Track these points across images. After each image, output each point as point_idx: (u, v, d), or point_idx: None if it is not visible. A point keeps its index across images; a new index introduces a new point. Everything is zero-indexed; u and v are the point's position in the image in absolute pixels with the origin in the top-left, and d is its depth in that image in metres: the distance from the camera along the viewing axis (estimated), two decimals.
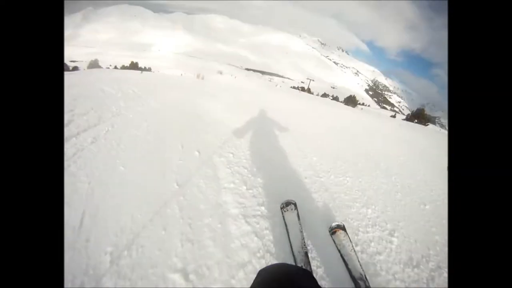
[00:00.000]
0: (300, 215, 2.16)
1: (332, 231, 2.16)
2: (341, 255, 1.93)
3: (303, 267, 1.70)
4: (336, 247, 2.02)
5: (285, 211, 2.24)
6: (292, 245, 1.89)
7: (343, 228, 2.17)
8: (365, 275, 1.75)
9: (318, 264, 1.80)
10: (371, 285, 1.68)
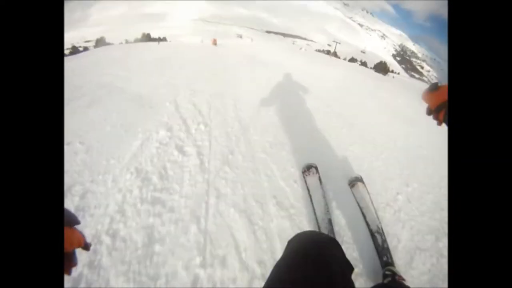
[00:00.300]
0: (321, 179, 2.14)
1: (351, 184, 2.15)
2: (360, 208, 1.92)
3: (328, 234, 1.69)
4: (355, 200, 2.01)
5: (306, 175, 2.21)
6: (316, 211, 1.86)
7: (361, 180, 2.15)
8: (382, 228, 1.74)
9: (339, 217, 1.84)
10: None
